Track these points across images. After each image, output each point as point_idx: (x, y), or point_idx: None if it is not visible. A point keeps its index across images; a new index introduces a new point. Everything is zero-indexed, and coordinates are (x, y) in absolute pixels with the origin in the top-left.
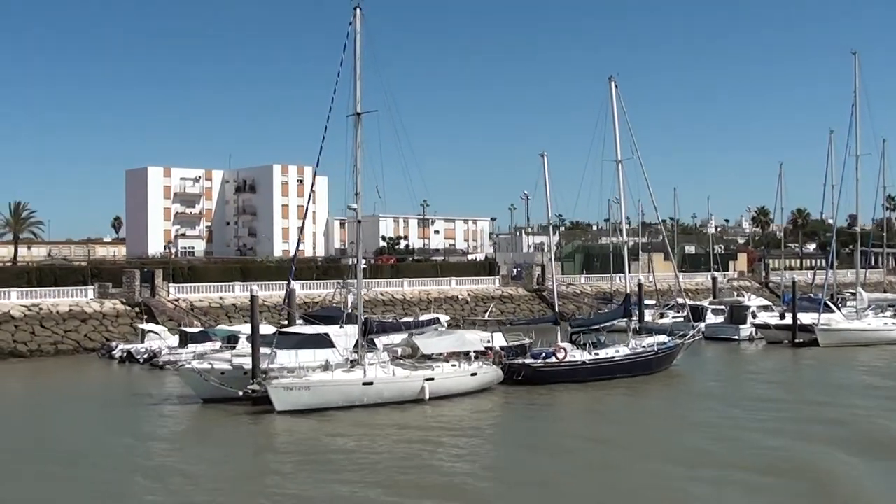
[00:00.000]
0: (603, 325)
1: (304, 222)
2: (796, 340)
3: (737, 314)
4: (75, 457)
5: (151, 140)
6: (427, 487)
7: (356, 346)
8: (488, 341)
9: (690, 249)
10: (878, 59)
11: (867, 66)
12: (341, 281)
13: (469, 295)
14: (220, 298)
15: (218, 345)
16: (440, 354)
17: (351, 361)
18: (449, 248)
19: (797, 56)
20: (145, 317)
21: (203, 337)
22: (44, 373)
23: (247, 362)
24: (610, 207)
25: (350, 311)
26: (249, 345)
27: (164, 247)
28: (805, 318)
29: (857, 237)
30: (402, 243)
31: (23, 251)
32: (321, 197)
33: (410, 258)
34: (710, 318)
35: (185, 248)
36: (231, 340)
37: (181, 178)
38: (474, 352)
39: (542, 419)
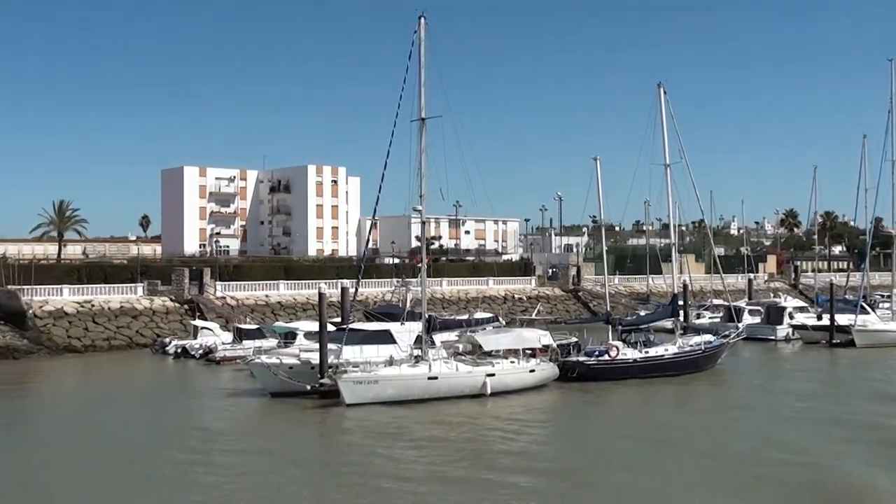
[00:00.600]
0: (651, 325)
1: (372, 223)
2: (833, 341)
3: (773, 315)
4: (157, 450)
5: (181, 140)
6: (501, 469)
7: (416, 341)
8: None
9: (719, 251)
10: None
11: None
12: (399, 280)
13: (506, 294)
14: (266, 296)
15: (273, 341)
16: (499, 351)
17: (415, 357)
18: (480, 249)
19: (831, 60)
20: (198, 314)
21: (257, 333)
22: (103, 368)
23: (314, 357)
24: (646, 209)
25: (409, 308)
26: (307, 341)
27: (200, 245)
28: (841, 319)
29: (894, 240)
30: (437, 243)
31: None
32: (354, 197)
33: (444, 258)
34: (747, 319)
35: (219, 246)
36: (289, 337)
37: (216, 178)
38: (531, 349)
39: (601, 413)
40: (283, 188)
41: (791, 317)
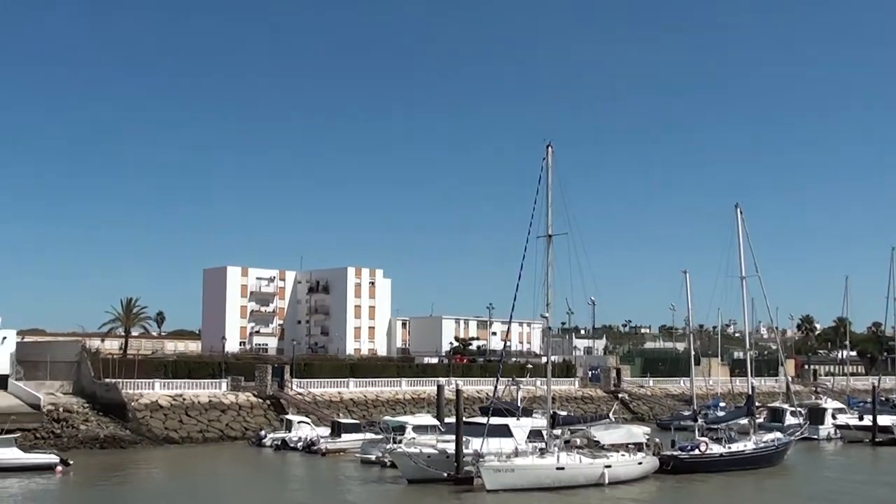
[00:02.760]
0: (729, 423)
1: (505, 327)
2: (876, 440)
3: (815, 415)
4: None
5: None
6: None
7: (530, 435)
8: (647, 435)
9: (738, 355)
10: None
11: None
12: (511, 378)
13: (554, 396)
14: (338, 393)
15: (370, 435)
16: (612, 445)
17: (540, 449)
18: (507, 350)
19: (858, 174)
20: (292, 408)
21: (354, 427)
22: (213, 458)
23: (449, 448)
24: (673, 314)
25: (521, 405)
26: (415, 434)
27: (238, 342)
28: (881, 420)
29: None
30: (475, 344)
31: (113, 344)
32: (384, 297)
33: (481, 359)
34: (789, 419)
35: (257, 344)
36: (398, 430)
37: (257, 278)
38: (636, 443)
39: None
40: (321, 289)
41: (834, 417)
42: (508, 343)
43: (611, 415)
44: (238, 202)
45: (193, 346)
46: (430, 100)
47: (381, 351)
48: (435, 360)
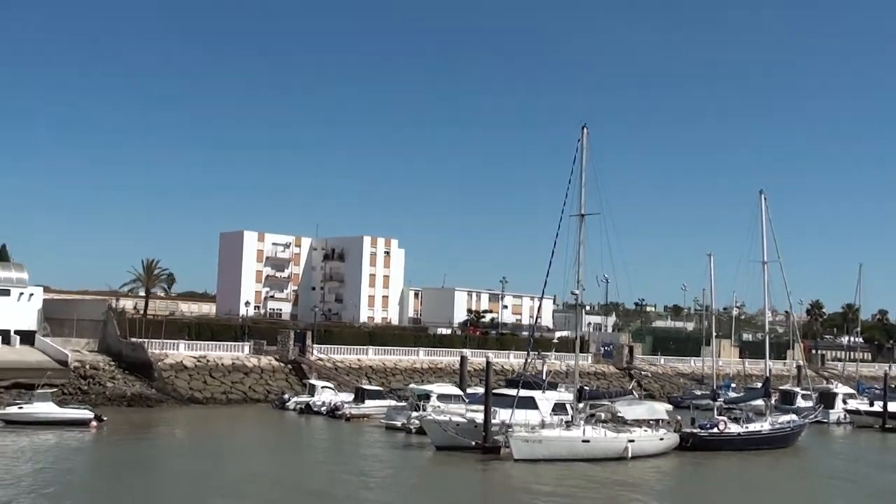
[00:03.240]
0: (747, 403)
1: (540, 304)
2: (886, 426)
3: (826, 400)
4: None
5: (226, 203)
6: None
7: (554, 408)
8: (668, 412)
9: (747, 337)
10: None
11: None
12: (536, 352)
13: (568, 370)
14: (358, 360)
15: (391, 402)
16: (635, 420)
17: (566, 422)
18: (517, 323)
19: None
20: (314, 373)
21: (377, 394)
22: (239, 419)
23: (478, 417)
24: (684, 295)
25: (547, 379)
26: (440, 403)
27: (254, 307)
28: (893, 406)
29: None
30: (488, 317)
31: (128, 303)
32: (397, 267)
33: (494, 332)
34: (800, 402)
35: (272, 309)
36: (422, 398)
37: (273, 244)
38: (657, 419)
39: (732, 481)
40: (336, 256)
41: (844, 402)
42: (539, 318)
43: (633, 391)
44: (257, 169)
45: (206, 308)
46: (455, 78)
47: (394, 320)
48: (448, 331)
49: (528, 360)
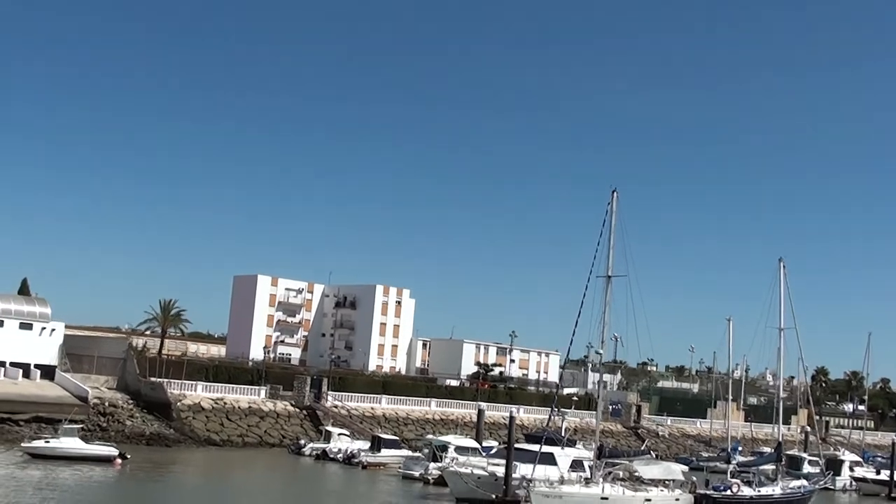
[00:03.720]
0: (759, 466)
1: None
2: (892, 495)
3: (833, 466)
4: None
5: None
6: None
7: (571, 465)
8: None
9: (752, 401)
10: None
11: None
12: (556, 408)
13: (576, 427)
14: (371, 409)
15: (407, 451)
16: (652, 479)
17: (585, 479)
18: (523, 378)
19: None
20: (329, 420)
21: (394, 443)
22: (257, 463)
23: (499, 470)
24: (691, 356)
25: (566, 435)
26: (457, 455)
27: (264, 349)
28: None
29: None
30: (497, 370)
31: (139, 341)
32: (408, 317)
33: (503, 385)
34: (806, 468)
35: (282, 354)
36: (441, 449)
37: (286, 289)
38: (673, 480)
39: None
40: (348, 304)
41: (851, 469)
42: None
43: (643, 447)
44: (271, 214)
45: (215, 350)
46: (471, 132)
47: (402, 370)
48: (456, 383)
49: (550, 417)
